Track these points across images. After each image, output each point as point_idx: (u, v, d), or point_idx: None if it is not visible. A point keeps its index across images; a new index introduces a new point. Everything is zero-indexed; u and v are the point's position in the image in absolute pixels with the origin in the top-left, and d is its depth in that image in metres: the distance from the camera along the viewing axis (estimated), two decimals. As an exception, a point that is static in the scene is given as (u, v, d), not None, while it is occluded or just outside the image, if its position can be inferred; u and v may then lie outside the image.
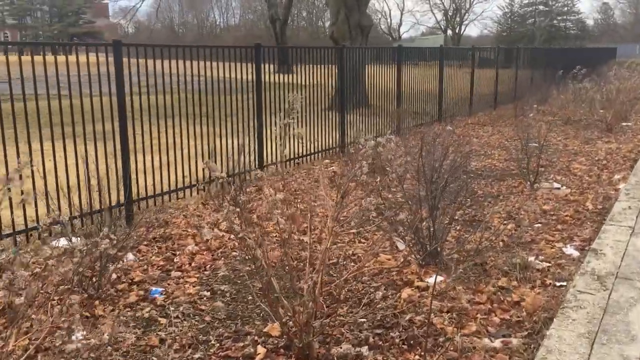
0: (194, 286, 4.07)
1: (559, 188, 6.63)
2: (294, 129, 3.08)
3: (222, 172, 3.08)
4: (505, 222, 5.37)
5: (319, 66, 8.83)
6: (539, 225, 5.28)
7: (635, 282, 3.15)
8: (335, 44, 15.61)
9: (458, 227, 5.30)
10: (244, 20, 72.56)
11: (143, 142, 5.80)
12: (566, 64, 18.21)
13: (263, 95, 7.46)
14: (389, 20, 75.86)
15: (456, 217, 5.57)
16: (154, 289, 4.01)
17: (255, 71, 7.28)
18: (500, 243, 4.80)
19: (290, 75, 8.47)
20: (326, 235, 3.11)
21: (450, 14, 69.97)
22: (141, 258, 4.57)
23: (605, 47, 33.87)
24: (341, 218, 3.22)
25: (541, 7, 69.83)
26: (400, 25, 75.14)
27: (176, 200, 6.24)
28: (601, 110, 12.18)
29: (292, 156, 8.16)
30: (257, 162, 7.40)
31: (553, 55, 20.36)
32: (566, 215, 5.51)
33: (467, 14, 70.72)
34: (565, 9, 69.81)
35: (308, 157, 8.59)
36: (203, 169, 6.35)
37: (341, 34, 15.38)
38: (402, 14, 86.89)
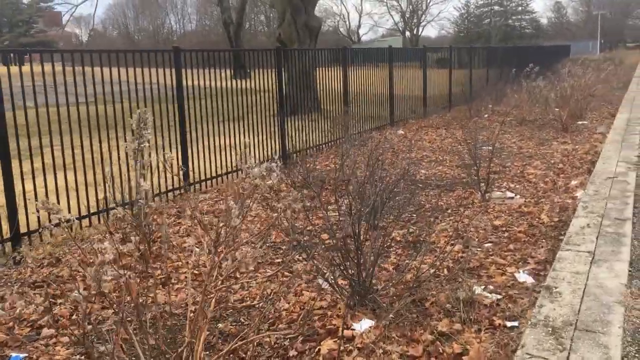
0: (67, 348, 3.28)
1: (512, 197, 6.06)
2: (152, 154, 2.34)
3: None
4: (452, 242, 4.73)
5: (268, 70, 8.18)
6: (490, 244, 4.66)
7: (599, 335, 2.51)
8: (283, 46, 14.91)
9: (399, 251, 4.64)
10: (201, 26, 71.24)
11: (32, 162, 4.95)
12: (521, 62, 17.96)
13: (187, 104, 6.68)
14: (347, 22, 75.46)
15: (398, 239, 4.93)
16: (13, 355, 3.20)
17: (176, 77, 6.50)
18: (445, 270, 4.15)
19: (240, 81, 7.78)
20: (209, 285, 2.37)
21: (407, 15, 70.21)
22: (10, 310, 3.74)
23: (560, 45, 34.14)
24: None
25: (496, 8, 70.78)
26: (359, 27, 74.85)
27: (80, 230, 5.40)
28: (556, 109, 11.82)
29: (223, 171, 7.39)
30: (181, 180, 6.61)
31: (508, 54, 20.13)
32: (519, 231, 4.91)
33: (424, 15, 71.13)
34: (520, 8, 70.97)
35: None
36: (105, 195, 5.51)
37: (288, 36, 14.68)
38: (360, 17, 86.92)
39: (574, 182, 6.43)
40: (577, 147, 8.78)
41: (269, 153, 8.41)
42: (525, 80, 12.93)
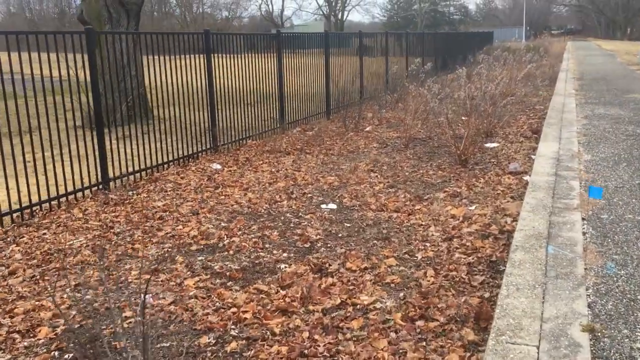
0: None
1: None
2: None
3: None
4: None
5: None
6: None
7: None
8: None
9: None
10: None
11: None
12: (434, 52, 14.40)
13: None
14: (270, 6, 70.60)
15: None
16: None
17: None
18: None
19: None
20: None
21: (331, -1, 66.05)
22: None
23: (481, 32, 31.16)
24: None
25: (424, -8, 68.24)
26: (282, 11, 70.08)
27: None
28: (464, 118, 8.17)
29: None
30: None
31: (415, 42, 16.50)
32: None
33: (348, -1, 67.31)
34: (447, -7, 68.77)
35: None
36: None
37: (95, 15, 10.31)
38: (283, 0, 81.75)
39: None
40: (471, 210, 5.02)
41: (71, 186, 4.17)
42: (413, 82, 9.15)
